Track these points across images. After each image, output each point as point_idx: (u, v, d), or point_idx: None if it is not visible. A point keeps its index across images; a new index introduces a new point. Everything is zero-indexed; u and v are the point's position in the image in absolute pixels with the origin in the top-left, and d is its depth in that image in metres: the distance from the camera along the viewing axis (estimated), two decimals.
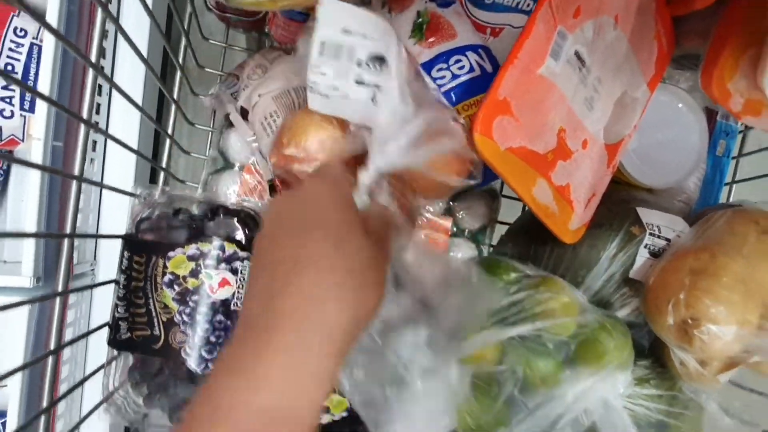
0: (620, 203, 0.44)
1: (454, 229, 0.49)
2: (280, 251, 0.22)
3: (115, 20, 0.36)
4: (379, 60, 0.32)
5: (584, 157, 0.38)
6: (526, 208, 0.55)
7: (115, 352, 0.37)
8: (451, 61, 0.38)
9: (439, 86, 0.38)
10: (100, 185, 0.53)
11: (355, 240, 0.23)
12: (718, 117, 0.56)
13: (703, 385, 0.39)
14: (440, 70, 0.38)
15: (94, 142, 0.62)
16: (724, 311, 0.35)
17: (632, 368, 0.42)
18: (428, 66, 0.38)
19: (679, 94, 0.46)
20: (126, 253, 0.35)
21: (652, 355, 0.43)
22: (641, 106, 0.43)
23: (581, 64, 0.34)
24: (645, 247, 0.41)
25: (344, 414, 0.36)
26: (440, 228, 0.47)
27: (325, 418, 0.35)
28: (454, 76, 0.38)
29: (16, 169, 0.67)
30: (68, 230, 0.38)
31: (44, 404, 0.34)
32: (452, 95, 0.38)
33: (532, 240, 0.46)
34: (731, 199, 0.56)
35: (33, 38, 0.60)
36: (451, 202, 0.48)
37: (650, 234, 0.41)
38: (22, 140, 0.64)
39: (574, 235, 0.41)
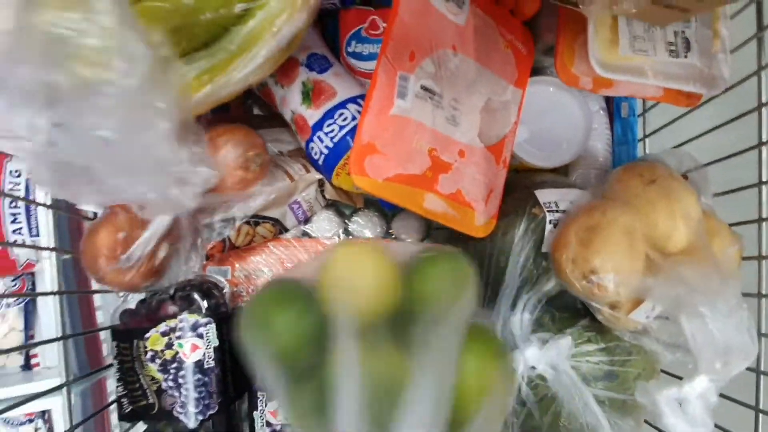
0: (523, 190, 0.49)
1: None
2: None
3: None
4: None
5: (465, 164, 0.44)
6: None
7: (127, 425, 0.44)
8: (336, 115, 0.45)
9: (331, 138, 0.45)
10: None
11: None
12: None
13: (623, 326, 0.44)
14: (329, 125, 0.45)
15: None
16: (614, 261, 0.40)
17: (572, 332, 0.47)
18: (319, 125, 0.45)
19: (549, 80, 0.51)
20: (114, 342, 0.43)
21: (589, 314, 0.48)
22: (515, 104, 0.49)
23: (431, 93, 0.41)
24: (550, 222, 0.46)
25: None
26: None
27: None
28: (341, 128, 0.45)
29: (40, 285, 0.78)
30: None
31: None
32: (344, 143, 0.45)
33: (459, 241, 0.51)
34: (647, 153, 0.61)
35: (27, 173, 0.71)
36: (387, 224, 0.55)
37: (548, 211, 0.46)
38: (37, 261, 0.75)
39: (484, 229, 0.47)
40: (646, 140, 0.60)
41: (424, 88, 0.41)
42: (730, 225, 0.47)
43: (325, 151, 0.46)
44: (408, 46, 0.40)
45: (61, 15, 0.25)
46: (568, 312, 0.49)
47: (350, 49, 0.51)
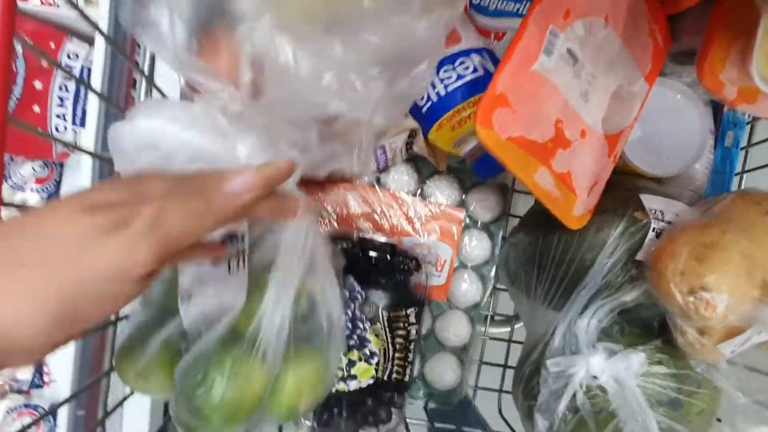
0: (625, 191, 0.46)
1: (467, 220, 0.52)
2: None
3: None
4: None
5: (583, 146, 0.41)
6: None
7: None
8: (456, 62, 0.42)
9: (446, 86, 0.41)
10: None
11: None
12: (725, 109, 0.58)
13: (704, 355, 0.41)
14: (447, 71, 0.42)
15: None
16: (729, 282, 0.37)
17: (644, 349, 0.44)
18: (437, 67, 0.42)
19: (679, 87, 0.48)
20: None
21: (664, 335, 0.45)
22: (640, 99, 0.45)
23: (574, 60, 0.38)
24: (653, 230, 0.43)
25: (370, 381, 0.39)
26: (453, 218, 0.50)
27: (353, 385, 0.39)
28: (459, 77, 0.41)
29: (67, 180, 0.74)
30: None
31: None
32: (459, 93, 0.41)
33: (541, 227, 0.48)
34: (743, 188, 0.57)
35: (84, 60, 0.67)
36: (464, 195, 0.51)
37: (654, 218, 0.43)
38: (72, 152, 0.71)
39: (579, 220, 0.44)
40: (744, 175, 0.57)
41: (570, 52, 0.37)
42: None
43: (435, 99, 0.42)
44: (565, 2, 0.36)
45: None
46: (639, 328, 0.46)
47: (475, 1, 0.47)
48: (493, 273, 0.53)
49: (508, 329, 0.61)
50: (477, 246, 0.51)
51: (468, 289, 0.51)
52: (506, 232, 0.55)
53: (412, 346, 0.42)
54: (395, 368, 0.41)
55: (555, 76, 0.37)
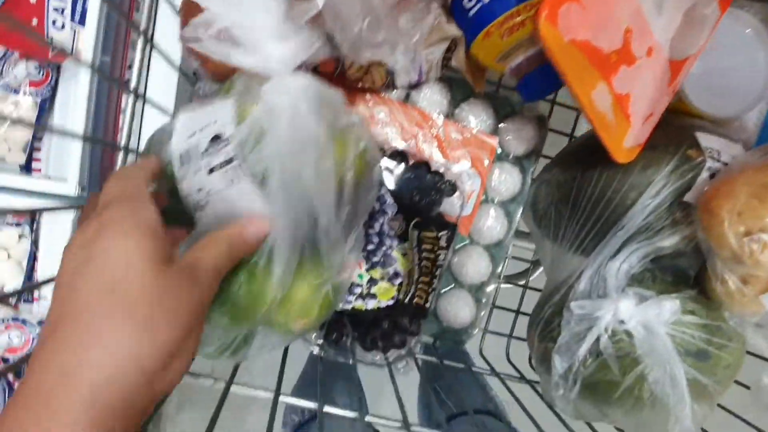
0: (679, 128, 0.42)
1: (499, 150, 0.48)
2: (57, 303, 0.21)
3: None
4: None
5: (648, 66, 0.37)
6: (573, 140, 0.54)
7: None
8: None
9: None
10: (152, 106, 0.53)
11: (139, 277, 0.20)
12: None
13: (743, 306, 0.38)
14: None
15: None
16: None
17: (678, 297, 0.41)
18: None
19: (749, 21, 0.43)
20: None
21: (698, 286, 0.42)
22: (709, 26, 0.41)
23: None
24: (707, 170, 0.40)
25: (390, 302, 0.36)
26: (486, 146, 0.46)
27: (371, 304, 0.36)
28: None
29: (63, 86, 0.69)
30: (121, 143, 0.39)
31: None
32: None
33: (580, 163, 0.45)
34: None
35: None
36: (500, 124, 0.47)
37: (710, 157, 0.39)
38: (71, 53, 0.66)
39: (628, 153, 0.40)
40: None
41: None
42: None
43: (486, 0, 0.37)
44: None
45: None
46: (672, 277, 0.43)
47: None
48: (519, 213, 0.50)
49: (523, 281, 0.58)
50: (507, 180, 0.48)
51: (493, 225, 0.48)
52: (536, 172, 0.51)
53: (438, 272, 0.39)
54: (418, 292, 0.38)
55: None
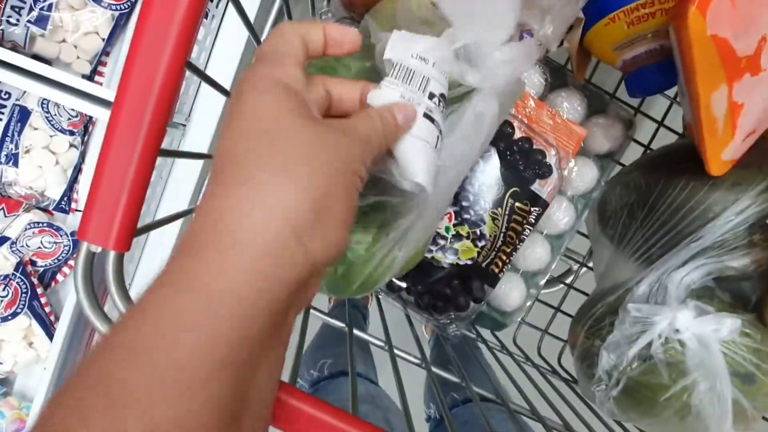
0: None
1: (583, 144, 0.48)
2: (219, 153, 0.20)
3: None
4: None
5: (766, 81, 0.37)
6: (648, 151, 0.54)
7: None
8: None
9: None
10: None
11: (289, 127, 0.20)
12: None
13: None
14: None
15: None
16: None
17: (734, 317, 0.41)
18: None
19: None
20: None
21: (756, 311, 0.42)
22: None
23: None
24: None
25: (468, 262, 0.37)
26: (574, 135, 0.46)
27: (450, 259, 0.36)
28: None
29: None
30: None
31: None
32: None
33: (665, 169, 0.45)
34: None
35: None
36: (590, 118, 0.48)
37: None
38: None
39: (722, 166, 0.40)
40: None
41: None
42: None
43: None
44: None
45: None
46: (731, 299, 0.43)
47: None
48: (588, 210, 0.50)
49: (559, 286, 0.59)
50: (584, 174, 0.48)
51: (561, 216, 0.48)
52: (611, 174, 0.51)
53: (519, 246, 0.39)
54: (496, 260, 0.38)
55: None
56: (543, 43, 0.43)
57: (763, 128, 0.41)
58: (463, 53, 0.28)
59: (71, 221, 0.77)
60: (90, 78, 0.71)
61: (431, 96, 0.26)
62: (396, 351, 0.38)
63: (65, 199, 0.75)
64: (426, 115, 0.25)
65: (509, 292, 0.48)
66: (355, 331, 0.36)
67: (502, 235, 0.38)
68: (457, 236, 0.35)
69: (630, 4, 0.37)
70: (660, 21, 0.37)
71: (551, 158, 0.40)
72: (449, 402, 0.65)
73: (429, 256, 0.36)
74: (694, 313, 0.41)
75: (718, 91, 0.35)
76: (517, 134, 0.39)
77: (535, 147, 0.40)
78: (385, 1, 0.33)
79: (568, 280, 0.58)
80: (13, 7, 0.65)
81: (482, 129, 0.29)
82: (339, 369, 0.63)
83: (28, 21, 0.65)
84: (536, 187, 0.40)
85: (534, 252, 0.48)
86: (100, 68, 0.73)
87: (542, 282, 0.50)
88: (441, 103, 0.26)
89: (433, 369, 0.39)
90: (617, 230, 0.48)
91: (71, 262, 0.75)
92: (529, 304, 0.52)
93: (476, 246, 0.36)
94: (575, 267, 0.57)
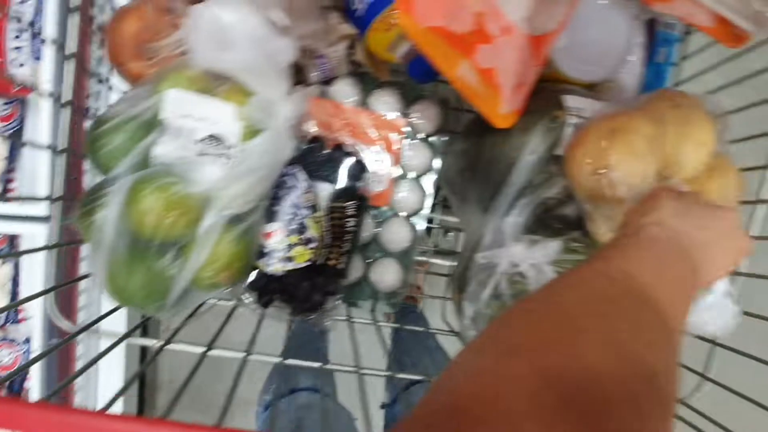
0: (551, 93, 0.49)
1: (409, 129, 0.54)
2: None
3: None
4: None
5: (507, 43, 0.43)
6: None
7: None
8: None
9: None
10: None
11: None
12: (658, 27, 0.60)
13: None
14: None
15: None
16: (627, 161, 0.40)
17: (563, 240, 0.48)
18: None
19: None
20: None
21: (580, 228, 0.49)
22: (567, 3, 0.47)
23: None
24: (571, 126, 0.46)
25: (307, 263, 0.43)
26: (394, 127, 0.52)
27: (290, 266, 0.42)
28: None
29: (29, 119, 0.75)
30: None
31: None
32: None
33: (475, 133, 0.51)
34: None
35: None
36: (407, 110, 0.54)
37: (571, 115, 0.46)
38: (35, 88, 0.72)
39: (505, 119, 0.47)
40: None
41: None
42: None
43: (368, 0, 0.44)
44: None
45: None
46: (560, 224, 0.50)
47: None
48: (431, 183, 0.57)
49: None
50: (417, 156, 0.54)
51: (408, 196, 0.54)
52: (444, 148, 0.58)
53: (347, 237, 0.45)
54: (331, 255, 0.44)
55: None
56: (338, 62, 0.50)
57: (531, 78, 0.47)
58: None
59: (24, 329, 0.82)
60: (1, 196, 0.77)
61: (200, 140, 0.33)
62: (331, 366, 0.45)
63: (12, 312, 0.80)
64: (201, 154, 0.33)
65: (385, 275, 0.54)
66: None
67: (328, 232, 0.44)
68: (290, 245, 0.41)
69: (379, 14, 0.44)
70: None
71: (364, 156, 0.47)
72: (404, 384, 0.70)
73: (270, 269, 0.42)
74: (526, 246, 0.47)
75: (460, 67, 0.41)
76: (327, 145, 0.46)
77: (342, 150, 0.46)
78: (168, 72, 0.40)
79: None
80: None
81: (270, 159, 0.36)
82: (290, 387, 0.68)
83: None
84: (351, 186, 0.46)
85: (396, 234, 0.54)
86: (9, 185, 0.79)
87: (416, 257, 0.56)
88: (210, 141, 0.33)
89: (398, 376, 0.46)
90: (459, 193, 0.54)
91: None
92: (412, 276, 0.58)
93: (308, 248, 0.42)
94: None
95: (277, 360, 0.47)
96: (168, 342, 0.43)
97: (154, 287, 0.34)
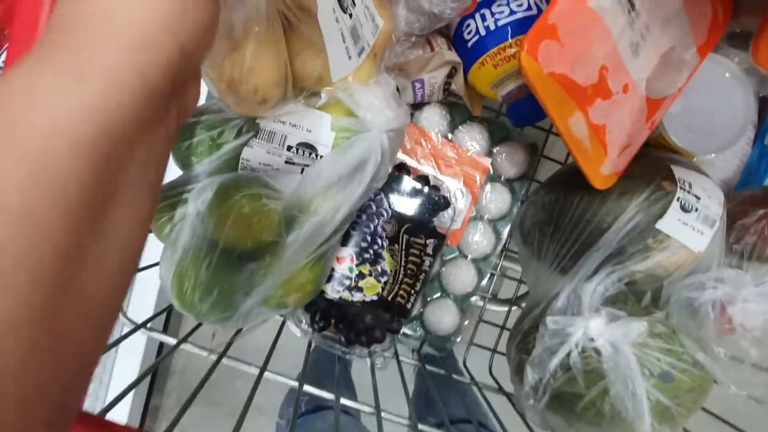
0: (657, 160, 0.45)
1: (491, 171, 0.52)
2: None
3: None
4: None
5: (624, 101, 0.40)
6: (564, 163, 0.57)
7: None
8: None
9: (496, 20, 0.41)
10: None
11: None
12: None
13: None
14: (500, 5, 0.41)
15: None
16: None
17: (647, 320, 0.44)
18: (489, 1, 0.42)
19: (729, 66, 0.47)
20: None
21: (664, 309, 0.44)
22: (688, 70, 0.44)
23: (630, 6, 0.37)
24: (677, 200, 0.42)
25: (374, 297, 0.40)
26: (479, 166, 0.50)
27: (357, 297, 0.39)
28: (512, 12, 0.41)
29: None
30: None
31: None
32: (508, 29, 0.41)
33: (564, 187, 0.48)
34: None
35: None
36: (495, 148, 0.51)
37: (681, 188, 0.42)
38: None
39: (605, 180, 0.43)
40: None
41: None
42: None
43: (483, 33, 0.42)
44: None
45: None
46: (649, 301, 0.46)
47: None
48: (507, 231, 0.53)
49: (506, 309, 0.61)
50: (496, 199, 0.51)
51: (480, 240, 0.51)
52: (527, 195, 0.54)
53: (422, 276, 0.42)
54: (401, 292, 0.41)
55: (609, 18, 0.36)
56: (434, 89, 0.48)
57: (640, 141, 0.44)
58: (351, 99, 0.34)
59: None
60: None
61: (289, 148, 0.31)
62: (386, 415, 0.41)
63: None
64: (287, 162, 0.31)
65: (443, 318, 0.51)
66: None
67: (402, 268, 0.41)
68: (360, 275, 0.39)
69: (493, 48, 0.42)
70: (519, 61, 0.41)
71: (447, 191, 0.44)
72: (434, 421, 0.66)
73: (337, 297, 0.39)
74: (605, 320, 0.43)
75: (572, 118, 0.38)
76: (412, 175, 0.43)
77: (428, 183, 0.44)
78: None
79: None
80: None
81: (366, 173, 0.34)
82: (315, 404, 0.65)
83: None
84: (434, 221, 0.43)
85: (461, 277, 0.51)
86: None
87: (474, 300, 0.53)
88: (299, 150, 0.33)
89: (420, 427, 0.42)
90: (534, 246, 0.50)
91: None
92: (468, 323, 0.54)
93: (379, 282, 0.39)
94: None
95: (293, 383, 0.43)
96: (182, 341, 0.40)
97: (222, 298, 0.32)
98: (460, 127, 0.51)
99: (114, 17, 0.17)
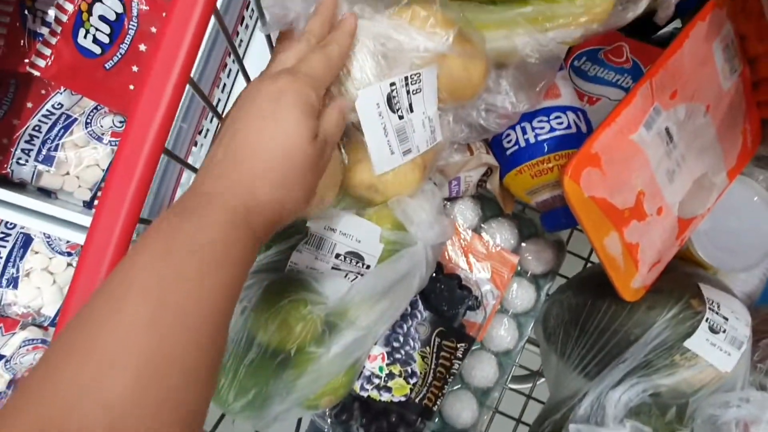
0: (684, 276, 0.46)
1: (519, 268, 0.52)
2: (237, 129, 0.27)
3: None
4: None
5: (657, 222, 0.42)
6: (589, 264, 0.58)
7: None
8: (552, 116, 0.43)
9: (537, 135, 0.43)
10: None
11: (302, 149, 0.26)
12: None
13: None
14: (541, 121, 0.43)
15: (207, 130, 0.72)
16: None
17: None
18: (532, 116, 0.44)
19: (757, 189, 0.48)
20: None
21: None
22: (718, 191, 0.46)
23: (669, 138, 0.39)
24: (706, 320, 0.43)
25: (402, 398, 0.40)
26: (507, 262, 0.51)
27: (385, 396, 0.39)
28: (552, 129, 0.43)
29: None
30: None
31: None
32: (545, 145, 0.43)
33: (592, 291, 0.49)
34: None
35: None
36: (522, 243, 0.52)
37: (710, 309, 0.43)
38: None
39: (634, 293, 0.44)
40: None
41: (667, 131, 0.38)
42: None
43: (522, 144, 0.44)
44: (674, 83, 0.38)
45: None
46: (673, 415, 0.45)
47: (576, 64, 0.49)
48: (531, 326, 0.54)
49: (529, 385, 0.60)
50: (522, 295, 0.52)
51: (504, 334, 0.51)
52: (551, 290, 0.55)
53: (450, 379, 0.42)
54: (429, 395, 0.41)
55: (649, 150, 0.38)
56: (469, 186, 0.49)
57: (669, 257, 0.45)
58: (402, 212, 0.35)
59: None
60: (89, 203, 0.78)
61: (337, 256, 0.32)
62: None
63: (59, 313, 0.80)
64: (334, 268, 0.31)
65: (461, 411, 0.50)
66: None
67: (432, 371, 0.41)
68: (390, 375, 0.39)
69: (532, 160, 0.44)
70: (557, 174, 0.43)
71: (478, 292, 0.45)
72: None
73: (365, 395, 0.39)
74: None
75: (608, 237, 0.39)
76: (444, 270, 0.44)
77: (461, 284, 0.44)
78: None
79: (527, 384, 0.60)
80: (23, 150, 0.74)
81: (411, 286, 0.35)
82: None
83: (36, 160, 0.73)
84: (462, 323, 0.44)
85: (483, 371, 0.51)
86: (100, 194, 0.81)
87: (494, 395, 0.52)
88: (347, 258, 0.33)
89: None
90: (558, 345, 0.51)
91: None
92: (486, 417, 0.53)
93: (408, 383, 0.39)
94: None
95: None
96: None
97: (257, 400, 0.32)
98: (490, 221, 0.52)
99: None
